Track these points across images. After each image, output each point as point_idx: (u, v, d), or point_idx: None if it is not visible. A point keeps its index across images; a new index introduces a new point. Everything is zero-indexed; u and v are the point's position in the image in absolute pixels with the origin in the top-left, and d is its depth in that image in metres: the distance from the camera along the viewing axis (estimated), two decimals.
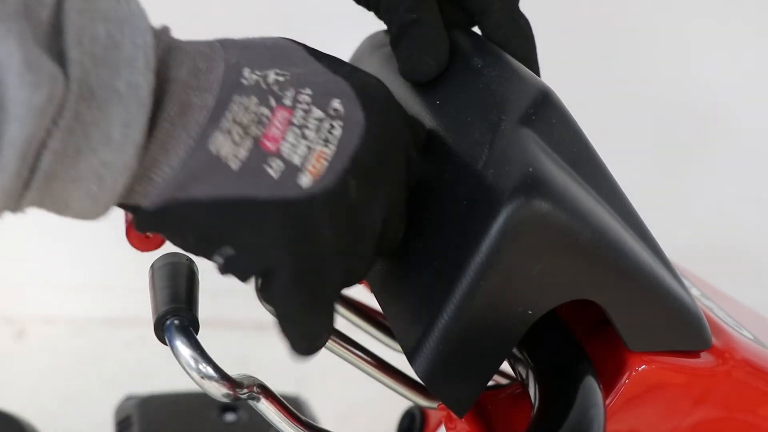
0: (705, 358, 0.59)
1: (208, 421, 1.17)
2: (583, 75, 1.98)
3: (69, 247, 2.16)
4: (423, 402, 0.68)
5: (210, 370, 0.55)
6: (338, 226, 0.50)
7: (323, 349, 0.67)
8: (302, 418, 0.59)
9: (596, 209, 0.53)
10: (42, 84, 0.42)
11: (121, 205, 0.50)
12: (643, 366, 0.56)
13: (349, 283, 0.55)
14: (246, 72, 0.49)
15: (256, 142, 0.48)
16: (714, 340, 0.59)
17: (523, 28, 0.64)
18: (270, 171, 0.48)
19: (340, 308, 0.78)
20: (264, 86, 0.49)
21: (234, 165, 0.48)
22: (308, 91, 0.50)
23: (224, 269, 0.50)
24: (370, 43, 0.73)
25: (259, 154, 0.48)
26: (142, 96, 0.46)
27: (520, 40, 0.64)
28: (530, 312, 0.52)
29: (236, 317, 2.02)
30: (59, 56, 0.44)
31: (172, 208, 0.48)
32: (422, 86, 0.62)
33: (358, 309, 0.78)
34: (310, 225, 0.49)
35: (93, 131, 0.45)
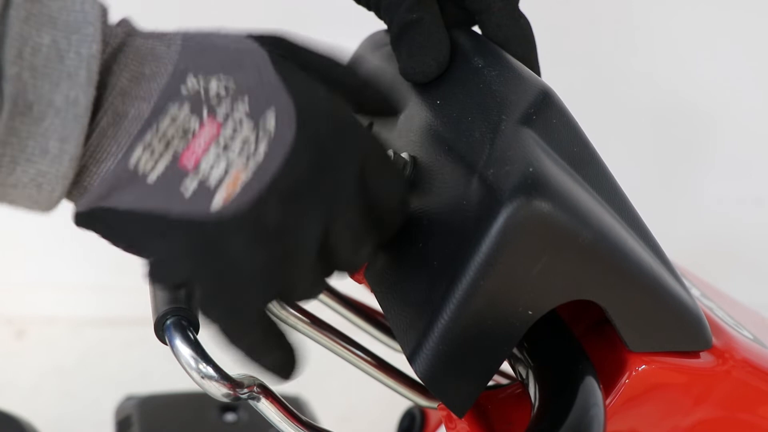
0: (705, 358, 0.59)
1: (208, 421, 1.17)
2: (582, 75, 1.98)
3: (69, 247, 2.16)
4: (423, 402, 0.68)
5: (210, 370, 0.55)
6: (253, 248, 0.48)
7: (323, 349, 0.67)
8: (302, 418, 0.59)
9: (597, 209, 0.53)
10: None
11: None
12: (643, 366, 0.56)
13: (293, 301, 0.53)
14: (190, 79, 0.49)
15: (176, 158, 0.48)
16: (714, 340, 0.59)
17: (524, 27, 0.64)
18: (183, 189, 0.48)
19: (340, 308, 0.78)
20: (202, 96, 0.49)
21: (150, 179, 0.48)
22: (245, 103, 0.49)
23: (152, 272, 0.50)
24: (371, 43, 0.73)
25: (175, 171, 0.48)
26: (80, 112, 0.46)
27: (521, 40, 0.64)
28: (530, 312, 0.52)
29: None
30: None
31: (96, 214, 0.49)
32: (423, 86, 0.62)
33: (358, 309, 0.78)
34: (219, 245, 0.48)
35: (29, 143, 0.46)
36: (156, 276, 0.50)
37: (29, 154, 0.46)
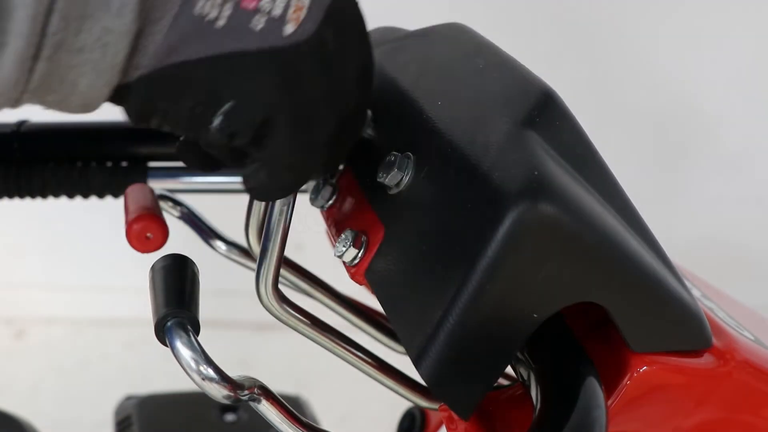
0: (706, 359, 0.59)
1: (208, 421, 1.17)
2: (584, 76, 1.98)
3: (69, 247, 2.16)
4: (423, 403, 0.68)
5: (210, 372, 0.55)
6: (322, 72, 0.52)
7: (323, 350, 0.67)
8: (303, 419, 0.59)
9: (600, 212, 0.52)
10: None
11: (116, 97, 0.53)
12: (645, 367, 0.56)
13: (345, 126, 0.55)
14: None
15: (237, 4, 0.51)
16: (715, 341, 0.59)
17: None
18: (253, 26, 0.51)
19: (340, 309, 0.78)
20: None
21: (219, 24, 0.51)
22: None
23: (224, 127, 0.52)
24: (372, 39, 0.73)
25: (240, 13, 0.51)
26: None
27: None
28: (535, 315, 0.52)
29: (236, 317, 2.02)
30: None
31: (166, 73, 0.51)
32: (424, 88, 0.62)
33: (358, 310, 0.78)
34: (298, 70, 0.52)
35: None
36: (237, 122, 0.52)
37: (94, 9, 0.49)
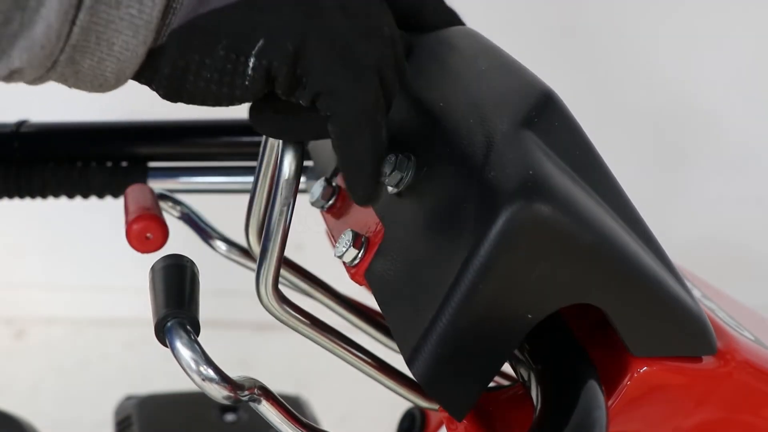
0: (707, 360, 0.58)
1: (208, 422, 1.17)
2: (584, 76, 1.98)
3: (69, 247, 2.16)
4: (423, 403, 0.68)
5: (211, 373, 0.55)
6: (347, 14, 0.54)
7: (323, 350, 0.67)
8: (303, 419, 0.59)
9: (598, 212, 0.52)
10: None
11: (146, 68, 0.54)
12: (645, 368, 0.56)
13: (386, 70, 0.55)
14: None
15: None
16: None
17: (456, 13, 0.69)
18: None
19: (340, 310, 0.78)
20: None
21: None
22: None
23: (260, 65, 0.53)
24: None
25: None
26: None
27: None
28: (530, 316, 0.52)
29: (236, 317, 2.02)
30: None
31: (197, 23, 0.52)
32: (426, 89, 0.62)
33: (358, 310, 0.78)
34: (320, 5, 0.53)
35: None
36: (273, 55, 0.52)
37: None
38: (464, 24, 0.70)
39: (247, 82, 0.53)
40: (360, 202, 0.57)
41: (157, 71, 0.54)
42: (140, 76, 0.55)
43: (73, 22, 0.51)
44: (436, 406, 0.67)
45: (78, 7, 0.50)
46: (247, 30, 0.53)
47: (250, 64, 0.53)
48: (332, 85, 0.53)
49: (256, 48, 0.53)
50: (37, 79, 0.53)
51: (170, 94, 0.55)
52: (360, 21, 0.54)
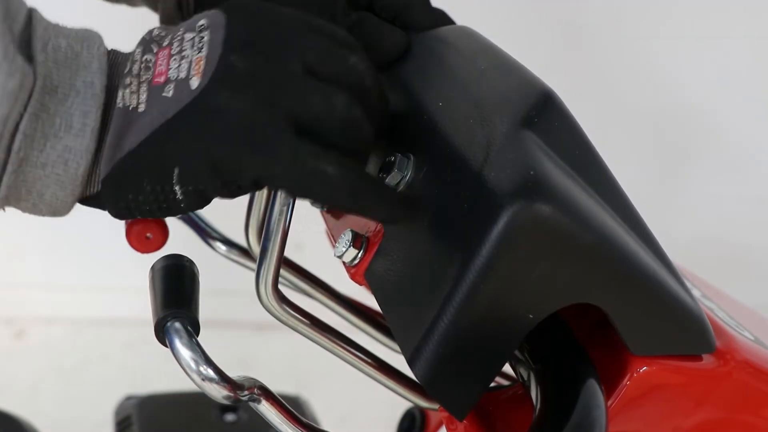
0: (706, 360, 0.59)
1: (208, 422, 1.17)
2: (583, 76, 1.98)
3: (69, 247, 2.16)
4: (423, 403, 0.68)
5: (210, 372, 0.55)
6: (243, 92, 0.54)
7: (323, 350, 0.67)
8: (303, 419, 0.59)
9: (598, 212, 0.52)
10: (15, 73, 0.52)
11: (90, 203, 0.58)
12: (645, 367, 0.56)
13: (313, 120, 0.55)
14: (144, 36, 0.58)
15: (149, 82, 0.56)
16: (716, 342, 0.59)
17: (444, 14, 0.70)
18: (165, 94, 0.55)
19: (340, 310, 0.78)
20: (147, 39, 0.58)
21: (140, 108, 0.55)
22: (181, 29, 0.58)
23: (185, 191, 0.55)
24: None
25: (154, 90, 0.55)
26: (96, 92, 0.55)
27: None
28: (531, 316, 0.52)
29: (236, 317, 2.02)
30: (29, 58, 0.54)
31: (118, 169, 0.55)
32: (425, 88, 0.62)
33: (358, 310, 0.78)
34: (215, 107, 0.54)
35: (56, 119, 0.54)
36: (194, 180, 0.54)
37: (56, 130, 0.54)
38: (454, 23, 0.70)
39: (183, 205, 0.56)
40: (389, 222, 0.58)
41: (102, 206, 0.57)
42: (89, 206, 0.58)
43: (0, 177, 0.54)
44: (436, 406, 0.67)
45: (2, 170, 0.54)
46: (160, 164, 0.54)
47: (178, 194, 0.55)
48: (255, 176, 0.54)
49: (175, 178, 0.54)
50: None
51: (122, 218, 0.58)
52: (257, 92, 0.54)
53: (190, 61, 0.55)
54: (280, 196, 0.60)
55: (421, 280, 0.54)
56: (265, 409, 0.58)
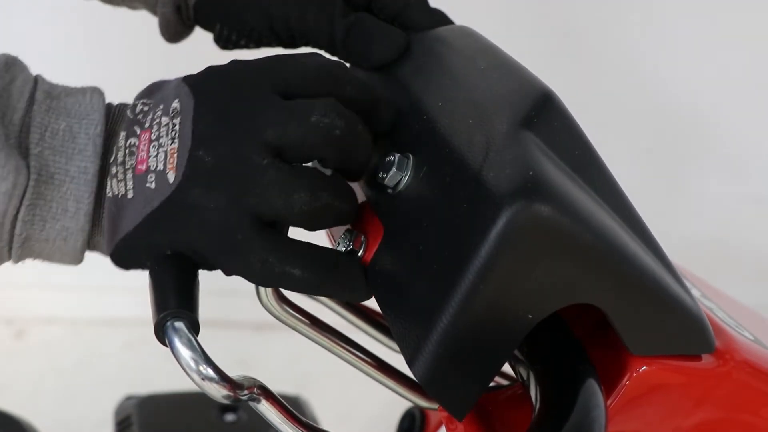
0: (706, 360, 0.59)
1: (208, 421, 1.17)
2: (583, 76, 1.98)
3: None
4: (423, 403, 0.68)
5: (210, 372, 0.55)
6: (212, 189, 0.56)
7: (323, 350, 0.67)
8: (303, 419, 0.59)
9: (598, 212, 0.52)
10: (8, 176, 0.56)
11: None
12: (644, 367, 0.56)
13: (275, 215, 0.56)
14: (128, 112, 0.60)
15: (133, 170, 0.58)
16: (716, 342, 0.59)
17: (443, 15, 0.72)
18: (149, 185, 0.58)
19: (340, 309, 0.78)
20: (131, 117, 0.60)
21: (129, 195, 0.58)
22: (160, 107, 0.59)
23: (176, 273, 0.58)
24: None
25: (139, 178, 0.58)
26: (89, 178, 0.59)
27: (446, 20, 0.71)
28: (530, 316, 0.52)
29: (236, 317, 2.02)
30: (25, 150, 0.57)
31: (118, 249, 0.59)
32: (424, 88, 0.62)
33: (358, 310, 0.78)
34: (189, 204, 0.56)
35: (53, 205, 0.58)
36: (178, 263, 0.57)
37: (54, 213, 0.58)
38: (452, 23, 0.70)
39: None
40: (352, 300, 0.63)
41: None
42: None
43: (9, 255, 0.60)
44: (435, 406, 0.67)
45: (9, 248, 0.59)
46: (153, 247, 0.58)
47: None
48: (231, 271, 0.58)
49: (169, 259, 0.58)
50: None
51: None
52: (225, 189, 0.56)
53: (165, 152, 0.58)
54: None
55: (421, 280, 0.54)
56: (265, 408, 0.58)
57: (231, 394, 0.56)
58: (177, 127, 0.58)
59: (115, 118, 0.61)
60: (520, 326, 0.52)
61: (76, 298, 2.16)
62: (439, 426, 0.91)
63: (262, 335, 2.08)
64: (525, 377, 0.57)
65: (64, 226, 0.59)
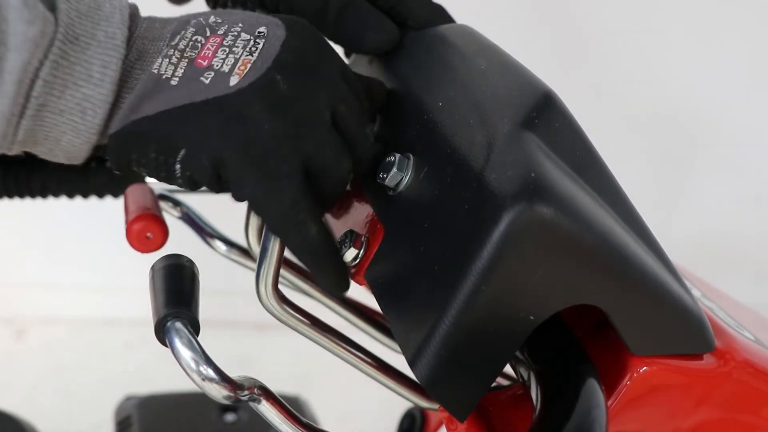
0: (706, 360, 0.59)
1: (208, 422, 1.17)
2: (583, 77, 1.98)
3: (69, 247, 2.16)
4: (423, 403, 0.68)
5: (211, 372, 0.55)
6: (270, 112, 0.56)
7: (323, 350, 0.67)
8: (303, 419, 0.59)
9: (599, 213, 0.52)
10: (36, 21, 0.53)
11: (102, 151, 0.59)
12: (645, 367, 0.56)
13: (320, 171, 0.57)
14: (192, 20, 0.60)
15: (191, 61, 0.57)
16: (715, 342, 0.59)
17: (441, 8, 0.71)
18: (203, 79, 0.56)
19: (340, 310, 0.78)
20: (203, 23, 0.59)
21: (173, 81, 0.57)
22: (239, 25, 0.59)
23: (183, 173, 0.56)
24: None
25: (193, 70, 0.57)
26: (117, 44, 0.56)
27: (442, 19, 0.70)
28: (532, 317, 0.52)
29: (236, 317, 2.02)
30: (51, 7, 0.54)
31: (129, 128, 0.56)
32: (425, 88, 0.62)
33: (358, 310, 0.78)
34: (242, 113, 0.55)
35: (77, 69, 0.55)
36: (193, 167, 0.56)
37: (76, 78, 0.55)
38: (452, 19, 0.70)
39: (179, 181, 0.57)
40: (329, 291, 0.62)
41: (108, 159, 0.59)
42: (98, 155, 0.60)
43: (17, 126, 0.55)
44: (436, 406, 0.67)
45: (21, 115, 0.55)
46: (171, 139, 0.56)
47: (177, 170, 0.57)
48: (249, 195, 0.56)
49: (179, 156, 0.56)
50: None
51: (120, 172, 0.59)
52: (283, 121, 0.56)
53: (236, 59, 0.57)
54: None
55: (422, 281, 0.54)
56: (265, 409, 0.58)
57: (231, 394, 0.56)
58: (260, 47, 0.57)
59: (137, 20, 0.60)
60: (522, 327, 0.52)
61: (76, 298, 2.16)
62: (439, 426, 0.91)
63: (262, 335, 2.08)
64: (526, 377, 0.57)
65: (86, 95, 0.56)
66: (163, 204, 0.80)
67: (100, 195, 0.91)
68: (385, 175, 0.59)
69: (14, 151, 0.57)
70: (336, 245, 0.59)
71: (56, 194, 0.91)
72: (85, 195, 0.91)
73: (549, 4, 1.95)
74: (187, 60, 0.57)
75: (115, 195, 0.91)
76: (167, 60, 0.57)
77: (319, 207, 0.57)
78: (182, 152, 0.56)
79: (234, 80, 0.56)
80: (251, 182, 0.55)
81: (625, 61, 1.99)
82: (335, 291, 0.60)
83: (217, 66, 0.57)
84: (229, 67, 0.57)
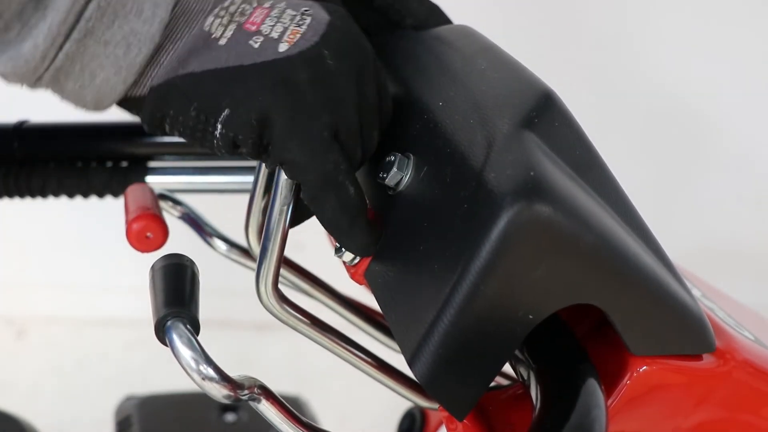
0: (706, 360, 0.59)
1: (208, 422, 1.17)
2: (583, 77, 1.98)
3: (69, 247, 2.16)
4: (423, 403, 0.68)
5: (211, 372, 0.55)
6: (316, 82, 0.57)
7: (323, 350, 0.67)
8: (303, 419, 0.59)
9: (599, 213, 0.52)
10: None
11: (129, 105, 0.59)
12: (645, 367, 0.56)
13: (347, 137, 0.58)
14: None
15: (240, 25, 0.58)
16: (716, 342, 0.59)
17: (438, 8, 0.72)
18: (252, 43, 0.57)
19: (340, 309, 0.78)
20: None
21: (222, 42, 0.57)
22: (284, 2, 0.60)
23: (224, 133, 0.57)
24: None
25: (242, 33, 0.58)
26: None
27: (438, 18, 0.71)
28: (531, 317, 0.52)
29: (236, 317, 2.02)
30: None
31: (174, 83, 0.57)
32: (426, 89, 0.62)
33: (358, 310, 0.78)
34: (290, 78, 0.56)
35: (128, 2, 0.56)
36: (235, 125, 0.56)
37: (127, 11, 0.56)
38: (448, 18, 0.70)
39: (215, 143, 0.57)
40: (356, 254, 0.61)
41: (141, 111, 0.59)
42: (122, 107, 0.60)
43: (60, 48, 0.55)
44: (436, 406, 0.67)
45: (67, 36, 0.55)
46: (216, 98, 0.56)
47: (217, 131, 0.57)
48: (291, 158, 0.57)
49: (222, 116, 0.57)
50: (27, 86, 0.57)
51: (153, 129, 0.59)
52: (327, 91, 0.57)
53: (285, 28, 0.58)
54: (280, 195, 0.60)
55: (421, 280, 0.54)
56: (265, 408, 0.58)
57: (231, 393, 0.56)
58: (307, 21, 0.58)
59: None
60: (521, 327, 0.52)
61: (76, 298, 2.16)
62: (439, 426, 0.92)
63: (262, 335, 2.08)
64: (525, 377, 0.57)
65: (134, 29, 0.56)
66: (163, 204, 0.80)
67: (100, 195, 0.91)
68: (385, 175, 0.59)
69: (42, 83, 0.57)
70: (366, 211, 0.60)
71: (56, 194, 0.91)
72: (85, 195, 0.91)
73: (549, 4, 1.95)
74: (236, 24, 0.58)
75: (115, 195, 0.91)
76: (219, 20, 0.58)
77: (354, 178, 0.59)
78: (226, 112, 0.56)
79: (283, 47, 0.57)
80: (296, 144, 0.56)
81: (625, 61, 1.99)
82: (366, 251, 0.60)
83: (266, 32, 0.58)
84: (278, 34, 0.57)
